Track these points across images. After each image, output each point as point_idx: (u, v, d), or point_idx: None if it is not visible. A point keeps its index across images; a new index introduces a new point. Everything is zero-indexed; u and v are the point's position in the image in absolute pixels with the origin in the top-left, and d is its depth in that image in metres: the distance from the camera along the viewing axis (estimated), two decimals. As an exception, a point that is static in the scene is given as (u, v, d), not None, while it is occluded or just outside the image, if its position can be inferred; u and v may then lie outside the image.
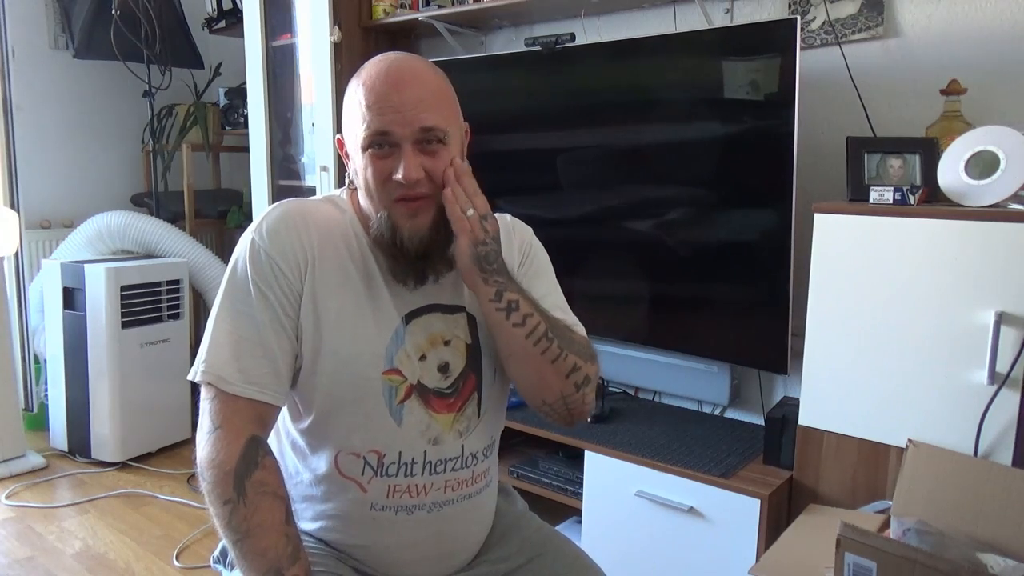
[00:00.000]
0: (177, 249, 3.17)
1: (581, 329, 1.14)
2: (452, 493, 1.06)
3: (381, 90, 0.97)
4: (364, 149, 0.98)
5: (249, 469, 0.93)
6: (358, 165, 1.01)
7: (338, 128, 2.60)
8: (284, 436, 1.10)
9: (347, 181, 1.08)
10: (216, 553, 1.15)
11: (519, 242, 1.17)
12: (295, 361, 1.01)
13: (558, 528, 1.21)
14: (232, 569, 1.00)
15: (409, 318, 1.04)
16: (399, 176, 0.96)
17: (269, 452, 0.97)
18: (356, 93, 0.99)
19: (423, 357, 1.04)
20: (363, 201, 1.04)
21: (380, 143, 0.97)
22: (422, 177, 0.97)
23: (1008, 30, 1.72)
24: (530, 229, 1.21)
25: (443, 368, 1.05)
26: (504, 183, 2.28)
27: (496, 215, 1.17)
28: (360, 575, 1.06)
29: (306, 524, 1.07)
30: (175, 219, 3.38)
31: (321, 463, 1.04)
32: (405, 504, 1.04)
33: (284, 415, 1.09)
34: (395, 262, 1.02)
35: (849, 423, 1.60)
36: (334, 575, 1.02)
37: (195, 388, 0.99)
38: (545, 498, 2.03)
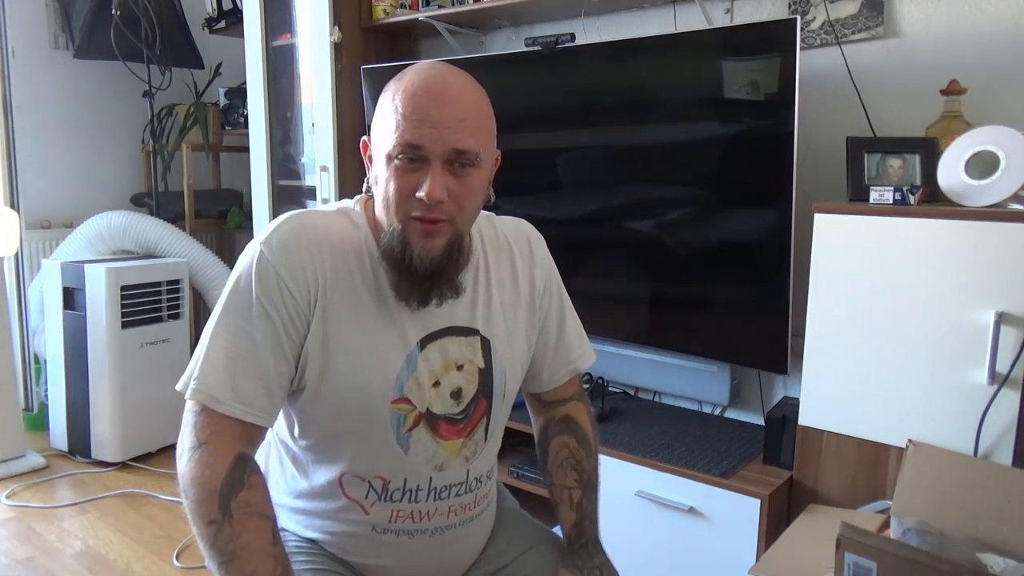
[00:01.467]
0: (177, 249, 3.17)
1: (592, 356, 1.21)
2: (455, 518, 1.06)
3: (421, 101, 0.91)
4: (391, 158, 0.92)
5: (235, 489, 0.90)
6: (381, 173, 0.95)
7: (339, 128, 2.64)
8: (282, 448, 1.08)
9: (364, 188, 1.04)
10: None
11: (540, 258, 1.15)
12: (290, 384, 0.98)
13: (556, 529, 1.21)
14: None
15: (425, 342, 1.00)
16: (422, 193, 0.90)
17: (256, 471, 0.94)
18: (394, 98, 0.93)
19: (436, 383, 1.00)
20: (379, 211, 0.98)
21: (410, 156, 0.91)
22: (445, 199, 0.92)
23: (1008, 30, 1.72)
24: (541, 238, 1.19)
25: (456, 394, 1.02)
26: (504, 183, 2.27)
27: (511, 219, 1.17)
28: None
29: (305, 532, 1.06)
30: (175, 219, 3.38)
31: (323, 480, 1.03)
32: (407, 528, 1.03)
33: (283, 426, 1.06)
34: (400, 279, 0.96)
35: (849, 423, 1.60)
36: (337, 574, 1.03)
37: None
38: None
